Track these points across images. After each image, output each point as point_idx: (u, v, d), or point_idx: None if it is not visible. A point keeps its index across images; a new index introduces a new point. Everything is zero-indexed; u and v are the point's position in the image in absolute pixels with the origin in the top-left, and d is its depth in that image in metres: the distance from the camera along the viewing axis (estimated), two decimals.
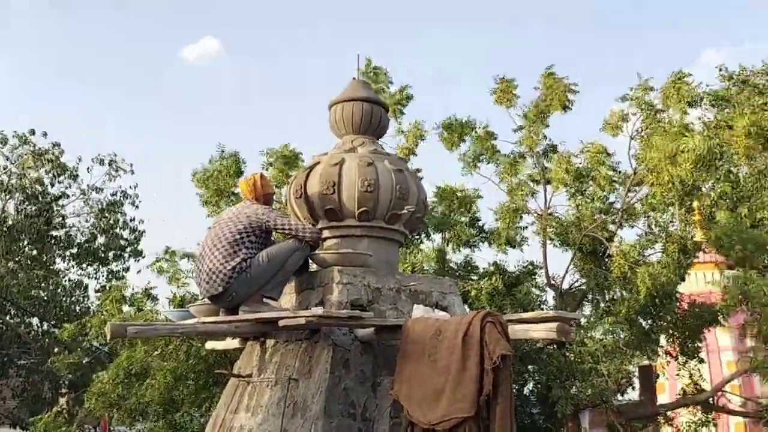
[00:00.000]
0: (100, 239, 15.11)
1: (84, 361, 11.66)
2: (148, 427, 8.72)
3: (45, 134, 14.84)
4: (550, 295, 9.96)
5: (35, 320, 15.12)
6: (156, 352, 7.95)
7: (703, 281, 12.27)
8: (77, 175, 15.01)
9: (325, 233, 4.58)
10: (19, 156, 14.57)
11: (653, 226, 9.54)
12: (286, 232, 4.15)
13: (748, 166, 12.00)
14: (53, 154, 14.69)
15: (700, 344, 9.44)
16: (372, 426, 3.83)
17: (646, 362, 12.32)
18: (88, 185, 15.22)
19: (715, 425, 11.94)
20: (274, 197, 4.62)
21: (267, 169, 9.96)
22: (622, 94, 9.75)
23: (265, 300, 4.16)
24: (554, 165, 9.55)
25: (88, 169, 15.18)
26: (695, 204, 11.95)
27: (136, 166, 15.79)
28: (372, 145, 4.74)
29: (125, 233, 15.24)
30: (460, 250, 9.43)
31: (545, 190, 9.96)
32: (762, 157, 11.36)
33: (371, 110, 4.79)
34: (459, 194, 9.49)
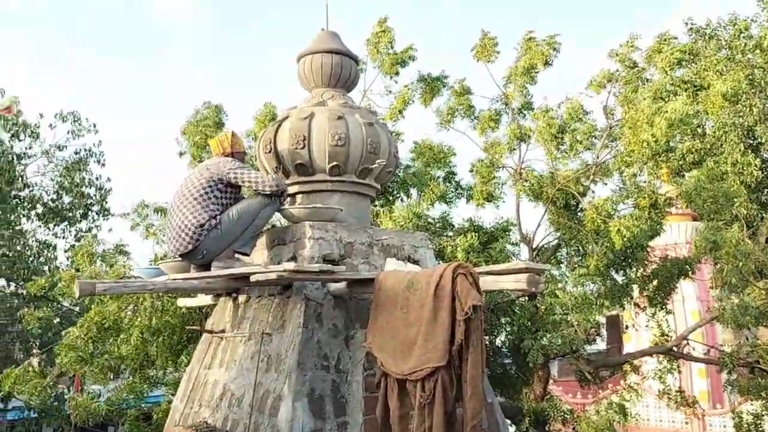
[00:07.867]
0: (66, 198, 14.82)
1: (55, 321, 11.55)
2: (123, 381, 8.69)
3: (2, 92, 14.33)
4: (524, 251, 10.07)
5: (2, 281, 14.88)
6: (128, 308, 7.88)
7: (669, 234, 12.49)
8: (38, 134, 14.60)
9: (296, 188, 4.53)
10: None
11: (626, 182, 9.62)
12: (247, 186, 4.05)
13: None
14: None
15: (668, 297, 9.65)
16: (346, 377, 3.86)
17: (613, 312, 12.64)
18: (50, 145, 14.85)
19: (680, 372, 12.35)
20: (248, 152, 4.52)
21: (253, 120, 9.77)
22: (609, 50, 9.79)
23: (236, 256, 4.13)
24: (538, 120, 9.55)
25: (51, 125, 14.79)
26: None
27: (109, 120, 15.49)
28: (342, 98, 4.65)
29: (91, 191, 14.96)
30: (432, 206, 9.45)
31: (519, 146, 10.00)
32: (727, 110, 11.49)
33: (341, 62, 4.68)
34: (435, 149, 9.46)
